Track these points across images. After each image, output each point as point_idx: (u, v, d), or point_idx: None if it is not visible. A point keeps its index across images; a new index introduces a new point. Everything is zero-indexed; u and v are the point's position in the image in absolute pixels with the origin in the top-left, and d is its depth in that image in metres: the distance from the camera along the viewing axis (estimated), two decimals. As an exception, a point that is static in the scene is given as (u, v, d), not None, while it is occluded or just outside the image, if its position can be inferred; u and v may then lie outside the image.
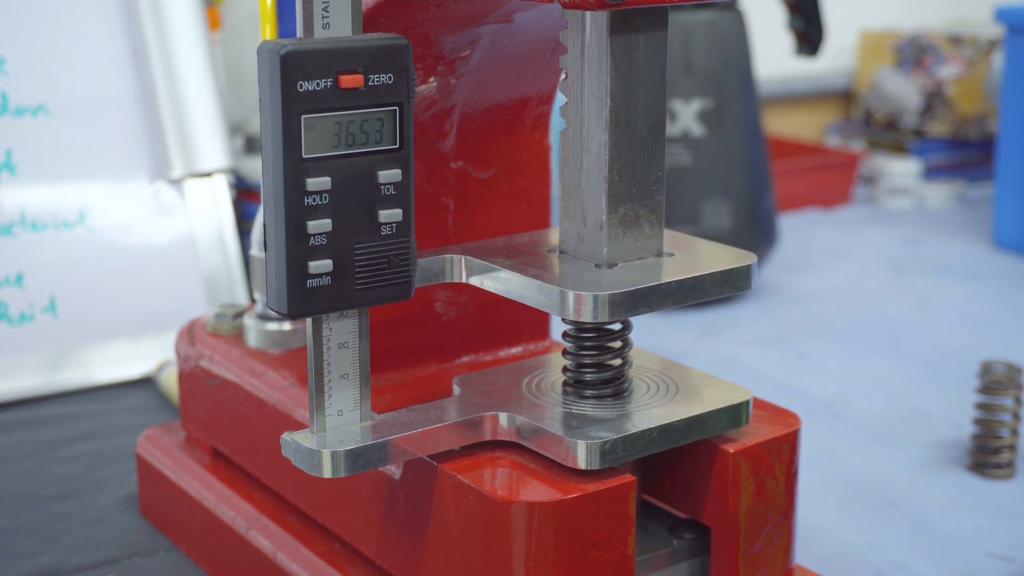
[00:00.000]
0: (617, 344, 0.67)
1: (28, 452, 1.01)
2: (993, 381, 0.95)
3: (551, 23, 0.70)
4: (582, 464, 0.62)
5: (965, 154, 1.98)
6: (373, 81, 0.58)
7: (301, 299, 0.59)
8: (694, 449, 0.67)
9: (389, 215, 0.60)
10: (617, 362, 0.67)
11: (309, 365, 0.62)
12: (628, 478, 0.62)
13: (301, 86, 0.56)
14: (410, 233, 0.61)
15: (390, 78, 0.59)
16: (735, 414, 0.66)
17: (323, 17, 0.58)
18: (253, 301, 0.84)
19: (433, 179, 0.74)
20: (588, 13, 0.61)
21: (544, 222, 0.78)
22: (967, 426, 1.02)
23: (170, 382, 1.08)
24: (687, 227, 1.35)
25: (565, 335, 0.68)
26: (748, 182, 1.38)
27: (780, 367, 1.19)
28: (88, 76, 1.21)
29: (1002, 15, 1.60)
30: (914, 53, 2.02)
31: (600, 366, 0.67)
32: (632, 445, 0.63)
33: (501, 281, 0.64)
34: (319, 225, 0.58)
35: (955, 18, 2.20)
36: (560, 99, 0.65)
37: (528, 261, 0.65)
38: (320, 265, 0.59)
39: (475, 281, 0.66)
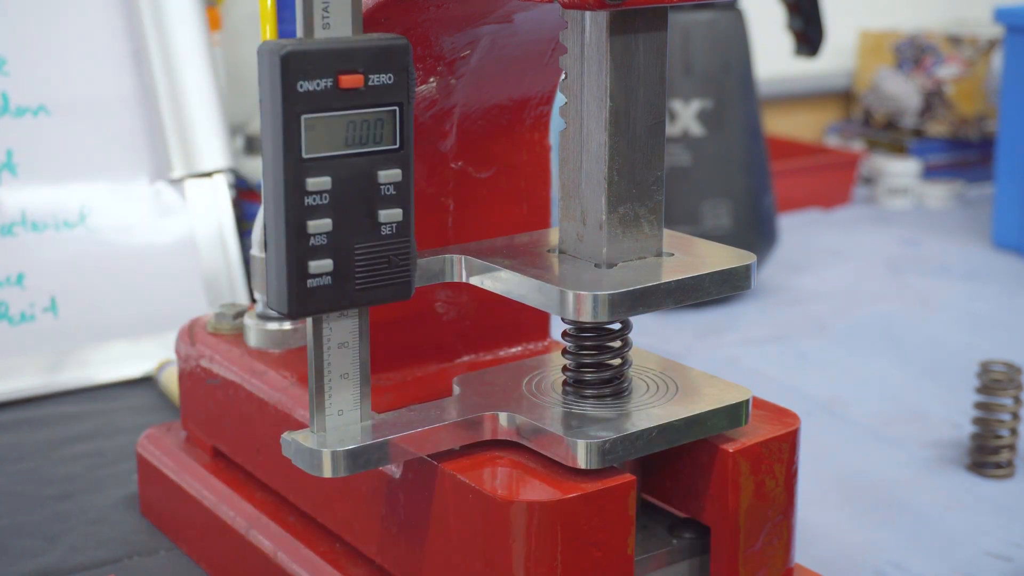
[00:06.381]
0: (617, 344, 0.67)
1: (28, 452, 1.01)
2: (992, 381, 0.95)
3: (551, 23, 0.70)
4: (582, 464, 0.62)
5: (964, 154, 1.98)
6: (373, 81, 0.58)
7: (301, 299, 0.59)
8: (694, 449, 0.67)
9: (389, 215, 0.60)
10: (617, 362, 0.67)
11: (309, 365, 0.62)
12: (628, 478, 0.62)
13: (301, 86, 0.57)
14: (410, 233, 0.61)
15: (390, 78, 0.59)
16: (735, 414, 0.66)
17: (323, 17, 0.58)
18: (253, 301, 0.84)
19: (433, 179, 0.74)
20: (588, 13, 0.61)
21: (544, 222, 0.78)
22: (966, 426, 1.02)
23: (170, 382, 1.08)
24: (687, 227, 1.35)
25: (565, 335, 0.68)
26: (748, 182, 1.38)
27: (779, 367, 1.20)
28: (88, 76, 1.21)
29: (1002, 15, 1.60)
30: (913, 53, 2.02)
31: (600, 366, 0.67)
32: (632, 445, 0.63)
33: (501, 281, 0.64)
34: (319, 225, 0.58)
35: (954, 18, 2.20)
36: (560, 99, 0.65)
37: (528, 261, 0.65)
38: (320, 265, 0.59)
39: (475, 281, 0.66)
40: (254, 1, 1.42)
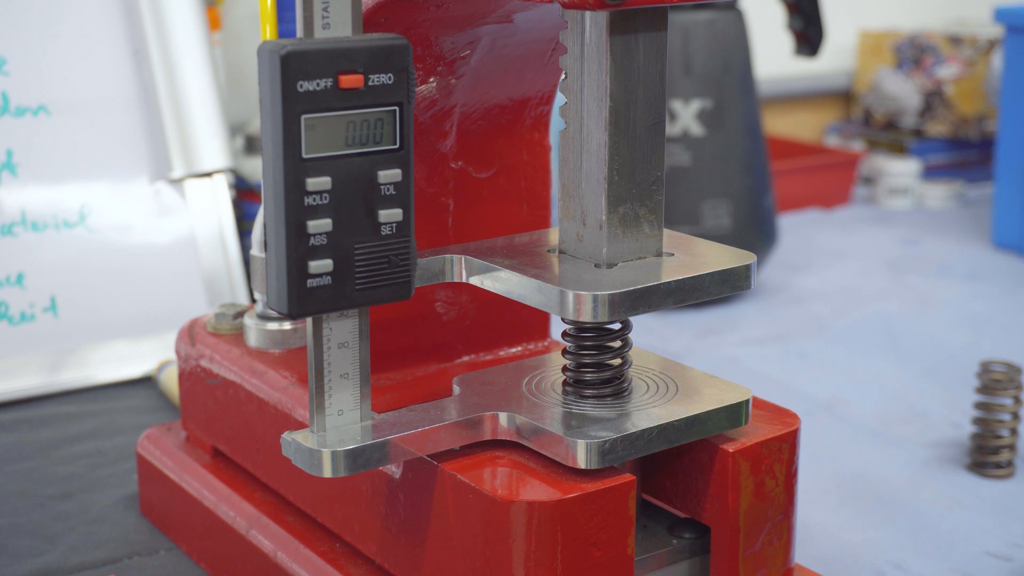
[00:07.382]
0: (617, 344, 0.67)
1: (28, 452, 1.01)
2: (992, 381, 0.95)
3: (551, 23, 0.70)
4: (582, 464, 0.62)
5: (964, 154, 1.98)
6: (373, 81, 0.58)
7: (301, 299, 0.59)
8: (694, 449, 0.67)
9: (389, 215, 0.60)
10: (617, 362, 0.67)
11: (309, 365, 0.62)
12: (628, 477, 0.62)
13: (301, 86, 0.57)
14: (410, 233, 0.61)
15: (390, 78, 0.59)
16: (735, 413, 0.66)
17: (323, 17, 0.58)
18: (253, 301, 0.84)
19: (433, 179, 0.74)
20: (588, 13, 0.61)
21: (544, 222, 0.78)
22: (966, 426, 1.02)
23: (170, 382, 1.08)
24: (687, 227, 1.35)
25: (565, 335, 0.68)
26: (748, 182, 1.38)
27: (780, 367, 1.20)
28: (88, 76, 1.21)
29: (1001, 15, 1.60)
30: (913, 53, 2.02)
31: (600, 366, 0.67)
32: (632, 445, 0.63)
33: (501, 281, 0.64)
34: (319, 225, 0.59)
35: (954, 18, 2.20)
36: (560, 99, 0.65)
37: (528, 261, 0.65)
38: (320, 265, 0.59)
39: (475, 281, 0.66)
40: (254, 1, 1.42)
